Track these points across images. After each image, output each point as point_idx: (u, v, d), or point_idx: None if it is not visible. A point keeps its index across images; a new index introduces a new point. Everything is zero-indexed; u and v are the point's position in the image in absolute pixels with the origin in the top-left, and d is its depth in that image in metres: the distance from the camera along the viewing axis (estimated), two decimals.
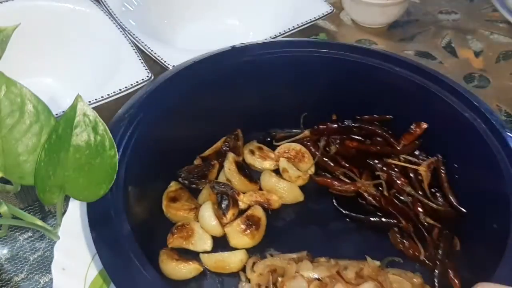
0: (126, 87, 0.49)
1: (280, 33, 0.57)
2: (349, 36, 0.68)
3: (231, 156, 0.49)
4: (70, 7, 0.57)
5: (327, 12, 0.60)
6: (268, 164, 0.50)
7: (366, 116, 0.49)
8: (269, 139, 0.52)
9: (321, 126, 0.50)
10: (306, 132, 0.51)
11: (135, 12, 0.60)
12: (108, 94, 0.49)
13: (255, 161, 0.50)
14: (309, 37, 0.67)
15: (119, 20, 0.56)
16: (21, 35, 0.57)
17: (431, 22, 0.70)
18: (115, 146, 0.39)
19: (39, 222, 0.41)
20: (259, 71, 0.48)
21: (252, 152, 0.51)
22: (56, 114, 0.47)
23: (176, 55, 0.53)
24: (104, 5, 0.58)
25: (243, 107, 0.49)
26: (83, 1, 0.58)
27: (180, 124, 0.46)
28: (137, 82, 0.50)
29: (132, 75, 0.51)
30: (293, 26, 0.58)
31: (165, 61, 0.52)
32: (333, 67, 0.48)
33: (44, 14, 0.57)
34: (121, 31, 0.55)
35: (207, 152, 0.50)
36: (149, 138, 0.43)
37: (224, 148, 0.50)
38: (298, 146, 0.50)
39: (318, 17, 0.59)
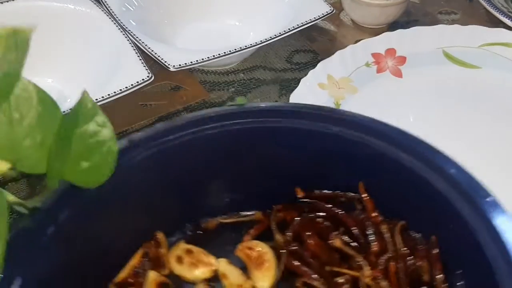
0: (126, 87, 0.50)
1: (280, 33, 0.57)
2: (349, 37, 0.68)
3: (151, 275, 0.37)
4: (70, 8, 0.57)
5: (327, 12, 0.60)
6: (201, 272, 0.38)
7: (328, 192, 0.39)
8: (200, 231, 0.40)
9: (280, 206, 0.39)
10: (258, 214, 0.40)
11: (135, 12, 0.61)
12: (108, 94, 0.49)
13: (185, 270, 0.38)
14: (311, 38, 0.67)
15: (119, 20, 0.57)
16: None
17: (431, 22, 0.70)
18: (115, 137, 0.39)
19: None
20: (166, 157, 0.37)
21: (179, 260, 0.38)
22: None
23: (176, 55, 0.54)
24: (105, 5, 0.58)
25: (159, 202, 0.38)
26: (84, 2, 0.58)
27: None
28: (137, 82, 0.50)
29: (132, 75, 0.51)
30: (293, 26, 0.58)
31: (165, 61, 0.53)
32: (263, 136, 0.38)
33: (44, 14, 0.57)
34: (121, 31, 0.55)
35: (122, 275, 0.37)
36: None
37: (143, 263, 0.38)
38: (265, 249, 0.38)
39: (318, 17, 0.60)
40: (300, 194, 0.40)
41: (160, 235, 0.39)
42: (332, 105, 0.56)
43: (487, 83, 0.60)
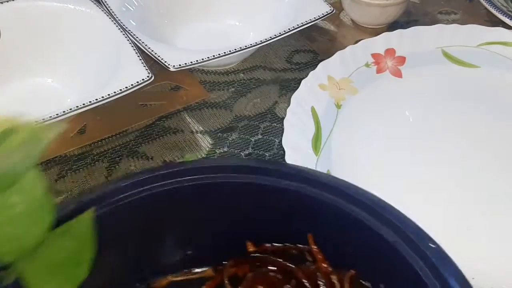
0: (126, 87, 0.49)
1: (280, 33, 0.57)
2: (349, 37, 0.68)
3: None
4: (70, 7, 0.57)
5: (327, 12, 0.60)
6: None
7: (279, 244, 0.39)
8: None
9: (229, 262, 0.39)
10: (209, 271, 0.40)
11: (135, 12, 0.60)
12: (108, 94, 0.49)
13: None
14: (311, 38, 0.67)
15: (119, 20, 0.57)
16: (21, 35, 0.58)
17: (431, 22, 0.70)
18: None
19: None
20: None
21: None
22: (57, 114, 0.47)
23: (176, 55, 0.54)
24: (105, 5, 0.58)
25: (107, 262, 0.35)
26: (84, 2, 0.58)
27: None
28: (137, 82, 0.50)
29: (132, 75, 0.51)
30: (293, 27, 0.58)
31: (165, 61, 0.53)
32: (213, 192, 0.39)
33: (44, 14, 0.57)
34: (121, 31, 0.55)
35: None
36: None
37: None
38: None
39: (318, 17, 0.60)
40: (251, 248, 0.40)
41: None
42: (333, 106, 0.56)
43: (486, 82, 0.60)
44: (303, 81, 0.56)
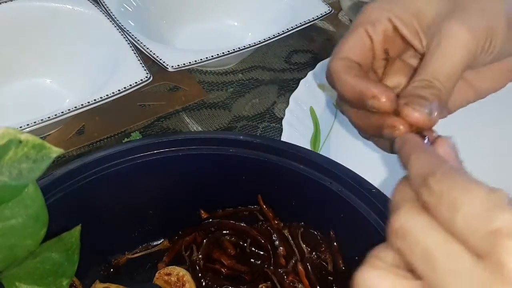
0: (125, 87, 0.50)
1: (278, 33, 0.57)
2: None
3: None
4: (68, 8, 0.57)
5: (325, 12, 0.60)
6: None
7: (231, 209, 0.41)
8: (112, 269, 0.41)
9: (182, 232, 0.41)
10: (165, 242, 0.42)
11: (133, 12, 0.61)
12: (107, 95, 0.49)
13: None
14: (310, 38, 0.67)
15: (118, 20, 0.57)
16: (20, 36, 0.58)
17: None
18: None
19: None
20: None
21: None
22: (55, 115, 0.47)
23: (174, 55, 0.54)
24: (103, 5, 0.58)
25: None
26: (82, 2, 0.58)
27: None
28: (136, 82, 0.50)
29: (131, 75, 0.51)
30: (292, 27, 0.58)
31: (164, 62, 0.53)
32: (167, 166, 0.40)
33: (43, 14, 0.57)
34: (120, 32, 0.55)
35: None
36: None
37: None
38: (182, 272, 0.39)
39: (316, 18, 0.60)
40: (204, 215, 0.42)
41: (74, 280, 0.38)
42: (331, 106, 0.56)
43: None
44: (301, 81, 0.56)
